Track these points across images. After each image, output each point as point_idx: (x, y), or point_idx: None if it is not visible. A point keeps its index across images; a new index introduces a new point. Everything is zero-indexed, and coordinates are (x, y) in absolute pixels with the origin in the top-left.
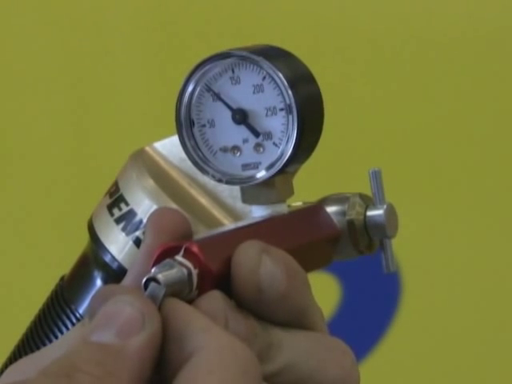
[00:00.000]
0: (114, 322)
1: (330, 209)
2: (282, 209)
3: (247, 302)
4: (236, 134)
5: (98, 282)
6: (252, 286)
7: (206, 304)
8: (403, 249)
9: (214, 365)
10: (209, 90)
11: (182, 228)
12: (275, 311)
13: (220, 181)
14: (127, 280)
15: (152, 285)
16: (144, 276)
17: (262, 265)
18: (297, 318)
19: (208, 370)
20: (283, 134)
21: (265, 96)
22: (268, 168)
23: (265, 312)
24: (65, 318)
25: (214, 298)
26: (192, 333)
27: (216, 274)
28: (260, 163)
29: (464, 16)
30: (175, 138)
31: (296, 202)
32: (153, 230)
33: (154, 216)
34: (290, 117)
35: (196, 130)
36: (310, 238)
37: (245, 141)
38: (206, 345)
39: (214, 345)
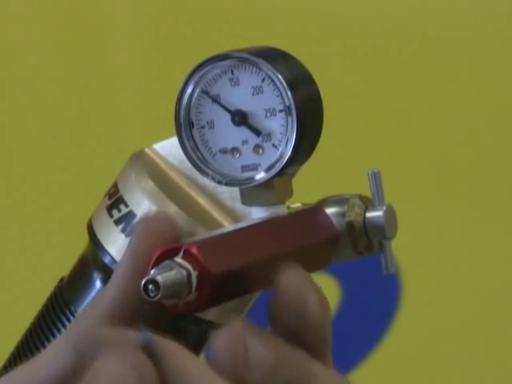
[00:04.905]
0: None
1: (330, 210)
2: (281, 210)
3: (286, 326)
4: (235, 136)
5: (98, 284)
6: (298, 311)
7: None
8: (403, 250)
9: None
10: (207, 93)
11: (170, 235)
12: (308, 339)
13: (219, 182)
14: (112, 285)
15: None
16: (129, 277)
17: (309, 293)
18: (320, 350)
19: None
20: (282, 136)
21: (264, 97)
22: (267, 170)
23: (299, 339)
24: (64, 319)
25: (234, 328)
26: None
27: (215, 276)
28: (259, 165)
29: (464, 15)
30: (175, 140)
31: (295, 204)
32: (140, 235)
33: (143, 222)
34: (290, 118)
35: (195, 131)
36: (309, 239)
37: (244, 142)
38: None
39: None
